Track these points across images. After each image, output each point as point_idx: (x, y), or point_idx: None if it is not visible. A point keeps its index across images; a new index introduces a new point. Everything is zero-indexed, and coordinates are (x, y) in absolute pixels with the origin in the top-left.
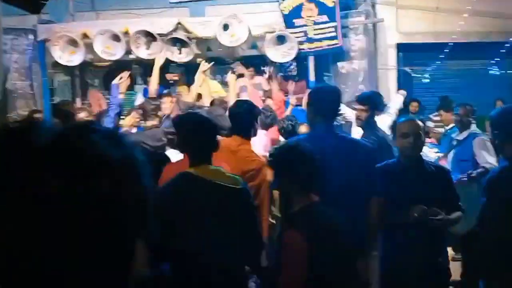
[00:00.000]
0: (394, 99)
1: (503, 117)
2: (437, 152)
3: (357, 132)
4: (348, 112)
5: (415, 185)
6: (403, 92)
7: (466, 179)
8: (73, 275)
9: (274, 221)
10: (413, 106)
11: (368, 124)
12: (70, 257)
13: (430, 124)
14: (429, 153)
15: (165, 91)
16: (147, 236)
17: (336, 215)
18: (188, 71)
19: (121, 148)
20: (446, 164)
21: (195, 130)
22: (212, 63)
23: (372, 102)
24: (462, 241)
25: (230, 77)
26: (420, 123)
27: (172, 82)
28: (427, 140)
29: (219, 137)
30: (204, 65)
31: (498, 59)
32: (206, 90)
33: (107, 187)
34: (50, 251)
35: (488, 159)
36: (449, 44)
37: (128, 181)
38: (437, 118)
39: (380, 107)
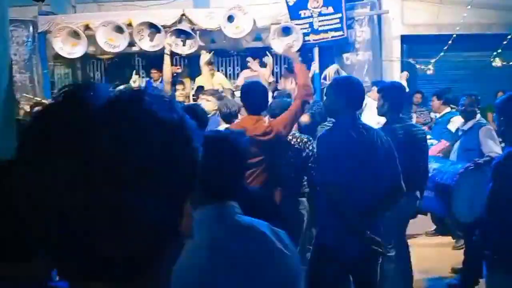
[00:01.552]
0: None
1: (508, 104)
2: (430, 138)
3: (368, 116)
4: None
5: None
6: (405, 73)
7: (473, 167)
8: (120, 230)
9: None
10: (417, 98)
11: (389, 116)
12: (119, 215)
13: (432, 115)
14: None
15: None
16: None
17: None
18: (192, 63)
19: (174, 111)
20: (441, 151)
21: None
22: (212, 52)
23: (386, 93)
24: (468, 230)
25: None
26: None
27: (175, 74)
28: None
29: None
30: (205, 55)
31: (500, 50)
32: (210, 82)
33: (160, 148)
34: (99, 209)
35: (494, 148)
36: (452, 36)
37: (181, 143)
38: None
39: (395, 101)
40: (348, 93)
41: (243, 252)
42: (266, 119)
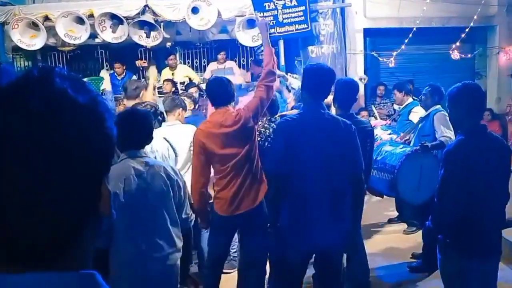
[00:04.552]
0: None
1: (462, 93)
2: (390, 134)
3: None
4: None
5: None
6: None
7: (420, 150)
8: (38, 213)
9: None
10: (380, 90)
11: (338, 112)
12: (36, 198)
13: (396, 106)
14: (383, 135)
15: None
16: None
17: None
18: (157, 55)
19: (86, 92)
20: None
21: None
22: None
23: (336, 90)
24: (420, 212)
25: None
26: None
27: (141, 68)
28: (381, 122)
29: None
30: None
31: (459, 43)
32: (177, 76)
33: (73, 128)
34: (15, 194)
35: (446, 133)
36: (413, 29)
37: (94, 122)
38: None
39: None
40: (309, 80)
41: (151, 176)
42: (231, 108)
